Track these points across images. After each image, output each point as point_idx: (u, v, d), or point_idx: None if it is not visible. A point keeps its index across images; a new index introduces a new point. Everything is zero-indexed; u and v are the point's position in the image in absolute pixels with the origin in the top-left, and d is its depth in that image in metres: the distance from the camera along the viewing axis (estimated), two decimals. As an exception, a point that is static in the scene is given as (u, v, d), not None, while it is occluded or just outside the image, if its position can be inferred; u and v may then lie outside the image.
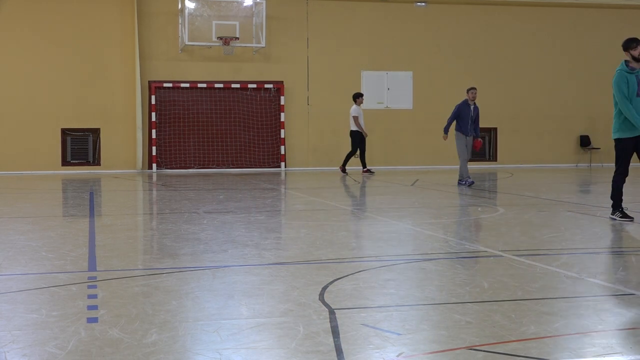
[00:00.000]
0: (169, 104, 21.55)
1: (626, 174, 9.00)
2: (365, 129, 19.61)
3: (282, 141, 21.99)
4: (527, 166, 23.25)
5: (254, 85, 21.81)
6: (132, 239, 8.43)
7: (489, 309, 4.70)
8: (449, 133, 15.31)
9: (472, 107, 14.98)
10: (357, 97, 19.53)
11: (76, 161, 21.44)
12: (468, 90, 15.10)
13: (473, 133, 15.05)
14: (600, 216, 9.92)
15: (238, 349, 3.90)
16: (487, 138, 23.60)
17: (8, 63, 20.84)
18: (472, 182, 15.01)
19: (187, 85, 21.50)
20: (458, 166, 17.10)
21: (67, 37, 21.08)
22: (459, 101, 14.77)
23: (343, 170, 19.65)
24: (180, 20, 21.23)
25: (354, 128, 19.30)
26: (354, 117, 19.29)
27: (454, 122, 15.09)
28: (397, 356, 3.78)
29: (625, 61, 8.84)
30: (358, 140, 19.35)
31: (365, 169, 19.53)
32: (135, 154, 21.26)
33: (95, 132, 21.42)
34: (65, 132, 21.24)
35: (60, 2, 21.09)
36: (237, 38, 21.28)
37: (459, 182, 15.17)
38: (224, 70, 21.82)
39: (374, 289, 5.39)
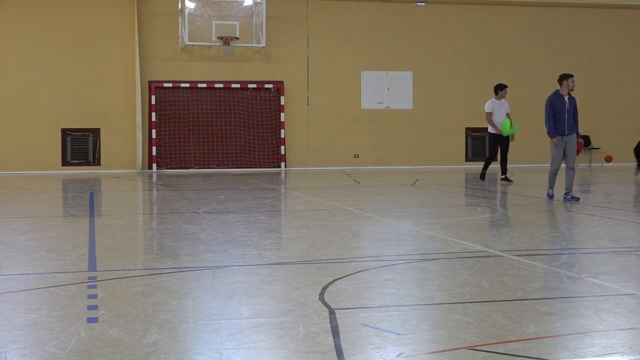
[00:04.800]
0: (169, 104, 21.54)
1: None
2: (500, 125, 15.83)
3: (282, 141, 21.98)
4: (527, 166, 23.24)
5: (254, 85, 21.80)
6: (132, 239, 8.43)
7: (489, 309, 4.70)
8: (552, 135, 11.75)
9: (566, 98, 11.65)
10: (498, 90, 16.18)
11: (76, 161, 21.42)
12: (563, 79, 11.68)
13: (573, 132, 11.74)
14: (600, 216, 9.92)
15: (238, 349, 3.90)
16: (487, 138, 23.57)
17: (8, 63, 20.83)
18: (552, 196, 12.06)
19: (187, 85, 21.49)
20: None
21: (67, 37, 21.07)
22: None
23: (482, 177, 16.57)
24: (180, 20, 21.22)
25: (490, 129, 16.20)
26: (486, 113, 16.10)
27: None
28: (397, 356, 3.78)
29: None
30: (492, 141, 16.31)
31: (503, 176, 16.11)
32: (135, 154, 21.25)
33: (95, 132, 21.40)
34: (65, 132, 21.23)
35: (60, 2, 21.08)
36: (237, 38, 21.27)
37: (564, 197, 11.84)
38: (224, 70, 21.81)
39: (374, 289, 5.39)
